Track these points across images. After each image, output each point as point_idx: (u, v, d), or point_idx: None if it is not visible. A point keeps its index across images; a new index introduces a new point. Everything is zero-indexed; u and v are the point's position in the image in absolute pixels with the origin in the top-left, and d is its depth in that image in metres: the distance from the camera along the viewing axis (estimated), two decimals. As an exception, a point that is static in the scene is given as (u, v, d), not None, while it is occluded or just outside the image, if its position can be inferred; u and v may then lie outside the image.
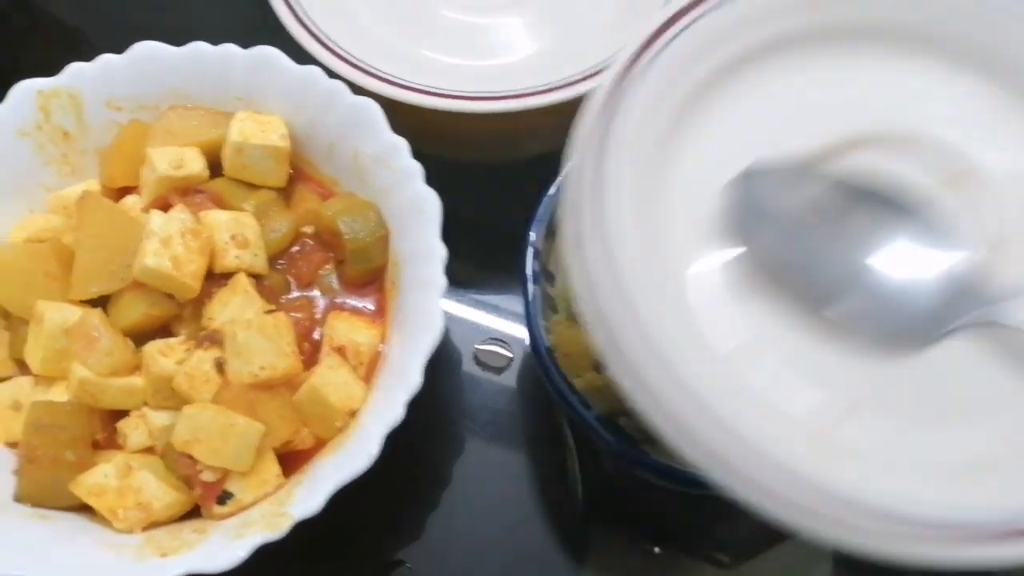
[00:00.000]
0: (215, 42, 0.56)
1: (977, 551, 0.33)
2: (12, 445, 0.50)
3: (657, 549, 0.56)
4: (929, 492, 0.34)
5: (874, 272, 0.38)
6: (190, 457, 0.46)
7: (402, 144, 0.53)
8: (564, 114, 0.42)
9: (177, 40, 0.56)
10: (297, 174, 0.58)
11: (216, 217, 0.52)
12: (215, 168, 0.56)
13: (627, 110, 0.39)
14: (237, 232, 0.52)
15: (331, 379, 0.49)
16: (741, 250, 0.40)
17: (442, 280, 0.49)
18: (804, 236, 0.39)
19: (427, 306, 0.49)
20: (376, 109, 0.54)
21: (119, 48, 0.55)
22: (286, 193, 0.58)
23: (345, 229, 0.53)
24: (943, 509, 0.33)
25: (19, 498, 0.47)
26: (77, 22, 0.77)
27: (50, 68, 0.55)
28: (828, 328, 0.38)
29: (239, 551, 0.43)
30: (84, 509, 0.49)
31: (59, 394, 0.50)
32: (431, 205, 0.51)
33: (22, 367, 0.53)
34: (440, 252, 0.50)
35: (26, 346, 0.51)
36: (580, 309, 0.36)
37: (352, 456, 0.45)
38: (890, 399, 0.37)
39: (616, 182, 0.38)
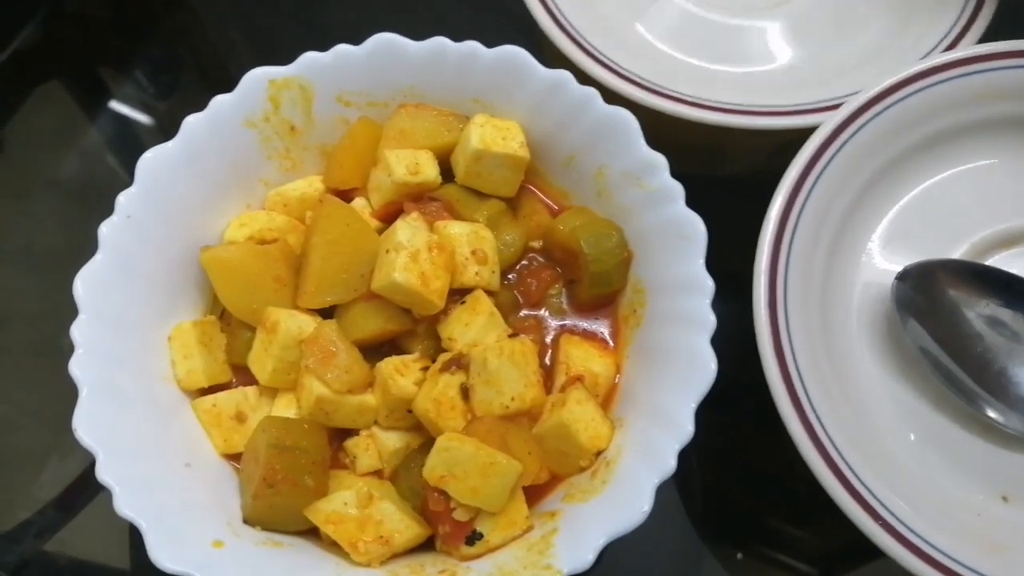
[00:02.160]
0: (457, 38, 0.52)
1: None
2: (232, 457, 0.48)
3: (740, 555, 0.54)
4: None
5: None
6: (442, 492, 0.43)
7: (660, 161, 0.49)
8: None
9: (417, 35, 0.52)
10: (525, 183, 0.54)
11: (456, 230, 0.49)
12: (445, 172, 0.52)
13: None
14: (477, 247, 0.49)
15: (580, 415, 0.45)
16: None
17: (711, 317, 0.45)
18: (975, 332, 0.44)
19: (694, 345, 0.45)
20: (632, 121, 0.49)
21: (357, 40, 0.52)
22: (514, 203, 0.54)
23: (588, 249, 0.49)
24: None
25: (248, 520, 0.44)
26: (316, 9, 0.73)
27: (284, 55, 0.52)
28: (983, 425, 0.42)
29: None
30: (310, 532, 0.45)
31: (285, 407, 0.47)
32: (695, 231, 0.47)
33: (239, 372, 0.50)
34: (708, 284, 0.46)
35: (252, 353, 0.48)
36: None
37: (620, 508, 0.42)
38: None
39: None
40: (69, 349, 0.44)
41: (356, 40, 0.52)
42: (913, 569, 0.38)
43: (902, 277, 0.45)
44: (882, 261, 0.46)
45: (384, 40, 0.52)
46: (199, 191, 0.51)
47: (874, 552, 0.40)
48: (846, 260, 0.46)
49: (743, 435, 0.53)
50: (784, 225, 0.43)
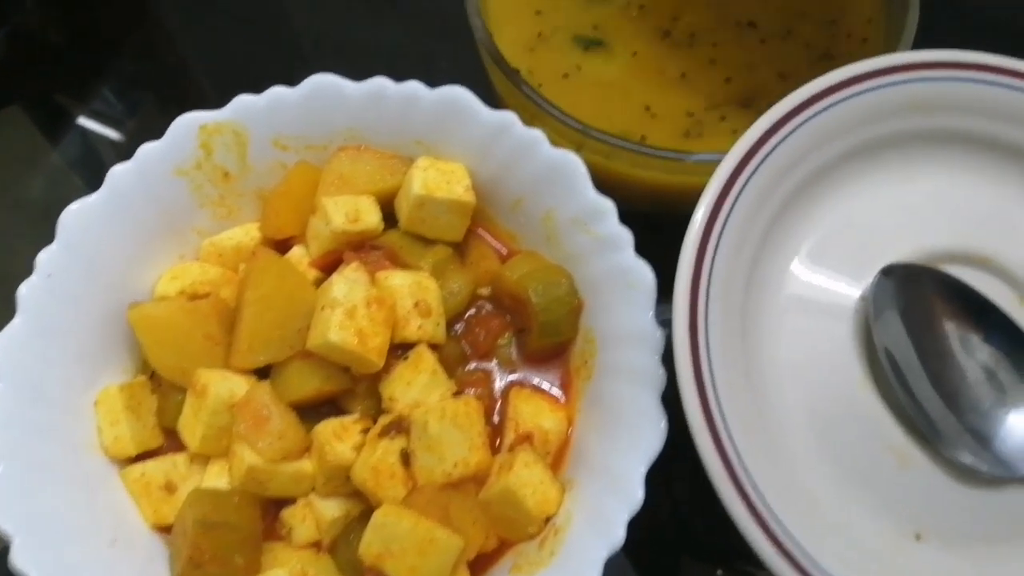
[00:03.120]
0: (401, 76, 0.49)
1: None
2: (163, 529, 0.45)
3: (720, 572, 0.53)
4: None
5: (975, 403, 0.41)
6: (378, 571, 0.40)
7: (608, 207, 0.47)
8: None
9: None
10: (472, 225, 0.52)
11: (397, 281, 0.46)
12: (388, 217, 0.50)
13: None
14: (420, 299, 0.46)
15: (527, 479, 0.43)
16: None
17: (661, 372, 0.43)
18: (947, 348, 0.42)
19: (644, 403, 0.43)
20: (578, 166, 0.47)
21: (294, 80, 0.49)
22: (461, 248, 0.51)
23: (535, 298, 0.47)
24: None
25: (177, 598, 0.42)
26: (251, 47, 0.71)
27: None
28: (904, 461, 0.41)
29: None
30: (245, 609, 0.43)
31: (217, 475, 0.45)
32: (643, 280, 0.45)
33: (171, 436, 0.47)
34: (657, 337, 0.44)
35: (182, 419, 0.46)
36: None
37: (566, 583, 0.39)
38: (955, 529, 0.40)
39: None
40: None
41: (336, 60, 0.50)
42: None
43: (887, 272, 0.43)
44: (804, 285, 0.44)
45: (320, 81, 0.49)
46: (127, 244, 0.48)
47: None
48: (768, 283, 0.44)
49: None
50: (702, 255, 0.41)
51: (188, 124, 0.49)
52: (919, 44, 0.51)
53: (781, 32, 0.55)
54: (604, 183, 0.50)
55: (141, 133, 0.62)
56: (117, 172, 0.47)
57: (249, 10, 0.73)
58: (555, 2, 0.56)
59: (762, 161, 0.43)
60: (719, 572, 0.53)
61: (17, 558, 0.39)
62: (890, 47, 0.52)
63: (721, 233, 0.42)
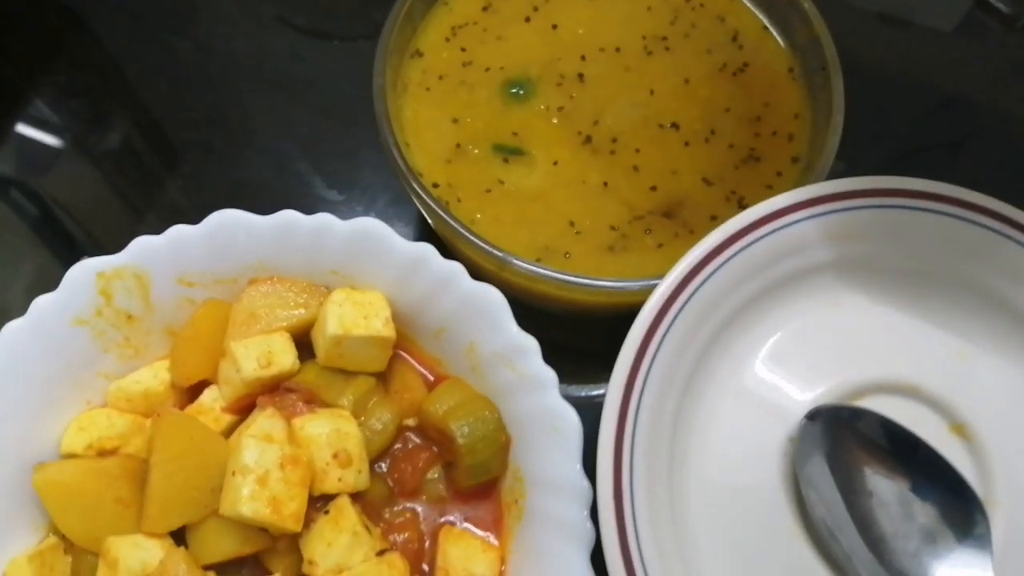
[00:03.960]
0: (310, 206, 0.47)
1: None
2: None
3: None
4: None
5: (904, 552, 0.40)
6: None
7: (531, 345, 0.45)
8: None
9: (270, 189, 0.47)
10: (396, 348, 0.50)
11: (314, 431, 0.45)
12: (304, 345, 0.48)
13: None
14: (339, 448, 0.45)
15: (457, 642, 0.42)
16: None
17: (589, 527, 0.42)
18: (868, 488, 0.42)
19: (572, 562, 0.42)
20: (499, 300, 0.46)
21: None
22: (385, 375, 0.50)
23: (462, 439, 0.46)
24: None
25: None
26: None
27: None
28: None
29: None
30: None
31: (135, 645, 0.43)
32: (569, 424, 0.44)
33: (87, 600, 0.45)
34: (584, 488, 0.42)
35: (94, 588, 0.43)
36: None
37: None
38: None
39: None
40: None
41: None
42: None
43: (812, 417, 0.43)
44: (728, 430, 0.43)
45: (225, 217, 0.47)
46: (29, 401, 0.46)
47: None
48: (693, 433, 0.43)
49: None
50: (623, 419, 0.40)
51: (84, 273, 0.46)
52: (846, 136, 0.50)
53: (704, 132, 0.53)
54: (529, 299, 0.49)
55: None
56: (11, 329, 0.45)
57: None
58: (473, 109, 0.54)
59: (683, 306, 0.42)
60: None
61: None
62: (816, 145, 0.52)
63: (647, 375, 0.41)
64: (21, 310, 0.45)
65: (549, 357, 0.46)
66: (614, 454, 0.39)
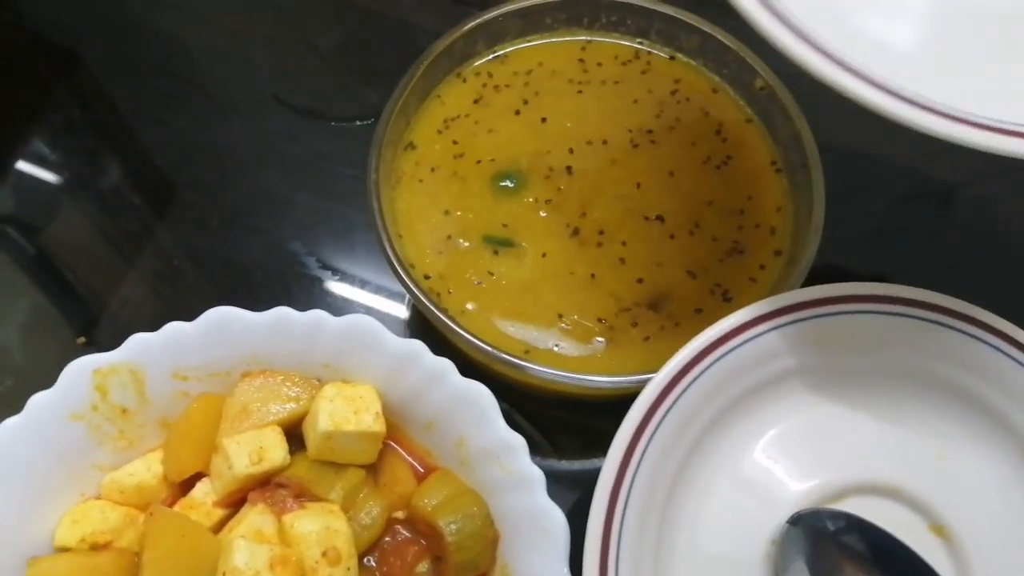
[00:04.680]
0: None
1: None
2: None
3: None
4: None
5: None
6: None
7: (519, 444, 0.46)
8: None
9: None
10: (387, 439, 0.51)
11: (304, 528, 0.45)
12: (295, 436, 0.49)
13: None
14: (328, 546, 0.45)
15: None
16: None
17: (577, 632, 0.42)
18: None
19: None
20: (487, 397, 0.47)
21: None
22: (375, 467, 0.51)
23: (450, 536, 0.46)
24: None
25: None
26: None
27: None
28: None
29: None
30: None
31: None
32: (555, 525, 0.44)
33: None
34: (573, 594, 0.43)
35: None
36: None
37: None
38: None
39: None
40: None
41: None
42: None
43: (794, 522, 0.44)
44: (708, 539, 0.44)
45: (219, 315, 0.48)
46: (24, 495, 0.46)
47: None
48: (678, 534, 0.44)
49: None
50: (609, 529, 0.41)
51: (80, 370, 0.47)
52: (829, 226, 0.52)
53: (689, 225, 0.54)
54: (519, 386, 0.50)
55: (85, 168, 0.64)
56: (7, 427, 0.46)
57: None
58: (464, 200, 0.55)
59: (665, 413, 0.43)
60: None
61: None
62: (799, 240, 0.53)
63: (629, 494, 0.42)
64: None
65: (544, 431, 0.46)
66: (600, 556, 0.40)
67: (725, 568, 0.44)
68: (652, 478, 0.43)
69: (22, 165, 0.69)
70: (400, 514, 0.50)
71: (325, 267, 0.64)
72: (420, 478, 0.51)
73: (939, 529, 0.44)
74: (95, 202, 0.67)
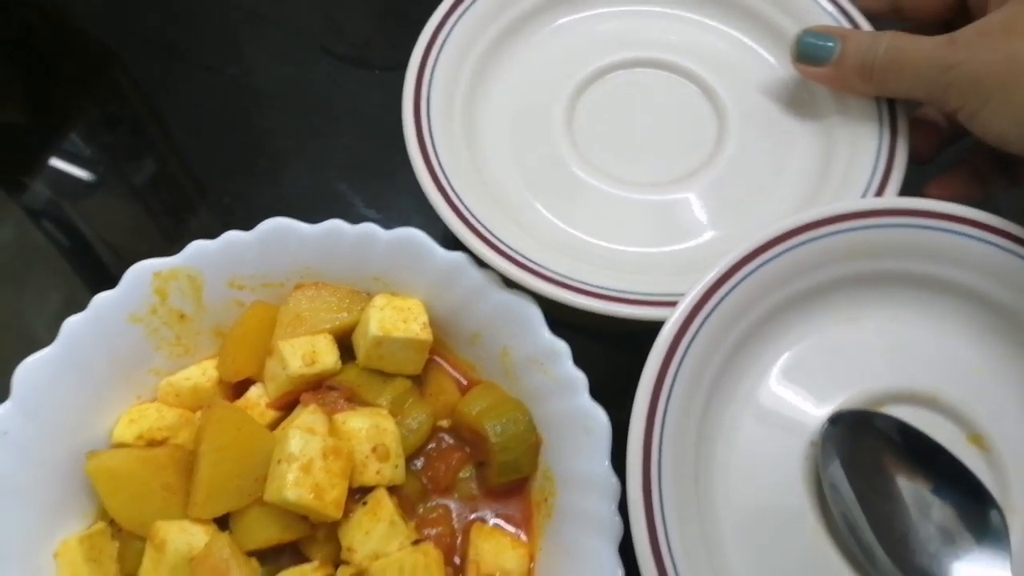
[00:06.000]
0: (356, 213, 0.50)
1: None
2: None
3: None
4: None
5: (923, 551, 0.42)
6: None
7: (562, 348, 0.47)
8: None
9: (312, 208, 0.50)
10: (432, 353, 0.52)
11: (355, 425, 0.47)
12: (347, 349, 0.51)
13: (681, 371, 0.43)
14: (378, 443, 0.47)
15: (488, 629, 0.43)
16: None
17: (617, 520, 0.43)
18: (888, 490, 0.43)
19: (601, 553, 0.43)
20: (532, 308, 0.48)
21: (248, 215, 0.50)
22: (420, 379, 0.52)
23: (494, 437, 0.48)
24: None
25: None
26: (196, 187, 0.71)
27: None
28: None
29: None
30: None
31: (179, 627, 0.45)
32: (598, 425, 0.46)
33: (131, 582, 0.47)
34: (613, 485, 0.44)
35: (141, 571, 0.45)
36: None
37: None
38: None
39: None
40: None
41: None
42: None
43: (834, 421, 0.44)
44: (750, 433, 0.46)
45: (275, 225, 0.50)
46: (83, 394, 0.48)
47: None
48: (718, 432, 0.45)
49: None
50: (654, 409, 0.42)
51: (142, 272, 0.49)
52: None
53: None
54: (557, 311, 0.51)
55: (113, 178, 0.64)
56: (71, 324, 0.48)
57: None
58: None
59: (712, 310, 0.44)
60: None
61: None
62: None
63: (673, 383, 0.43)
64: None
65: (580, 363, 0.48)
66: (643, 446, 0.41)
67: (765, 464, 0.45)
68: (692, 377, 0.43)
69: (56, 161, 0.70)
70: (445, 423, 0.51)
71: (370, 206, 0.66)
72: (463, 391, 0.52)
73: (977, 439, 0.45)
74: (133, 174, 0.69)
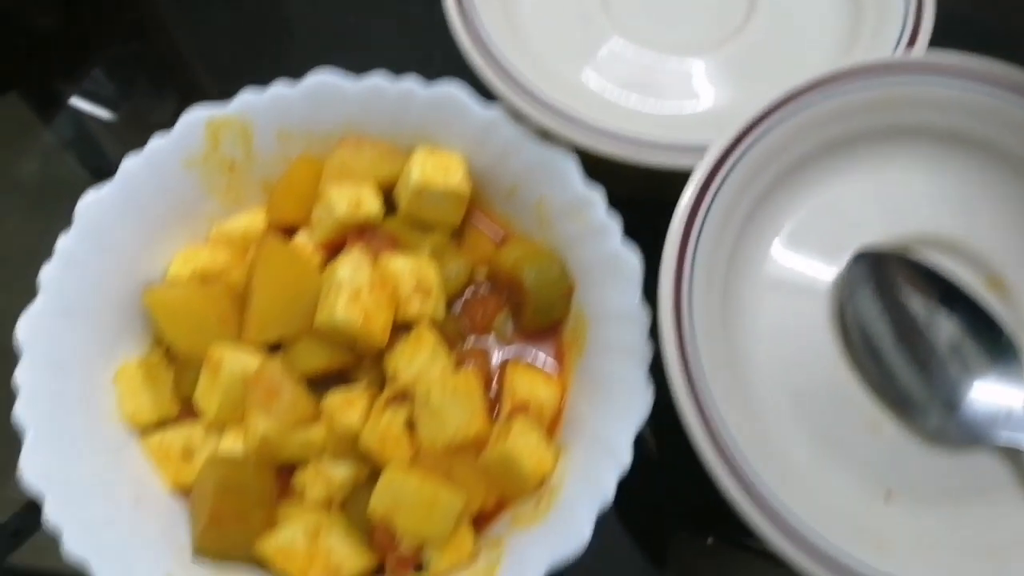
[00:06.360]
0: (397, 70, 0.52)
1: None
2: (182, 491, 0.48)
3: (710, 540, 0.54)
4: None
5: (943, 373, 0.45)
6: (387, 527, 0.43)
7: (596, 197, 0.50)
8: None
9: (356, 65, 0.52)
10: (469, 209, 0.55)
11: (399, 264, 0.49)
12: (388, 204, 0.53)
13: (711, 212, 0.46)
14: (421, 279, 0.49)
15: (523, 444, 0.46)
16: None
17: (647, 348, 0.46)
18: (914, 326, 0.46)
19: (632, 376, 0.46)
20: (566, 159, 0.51)
21: (294, 72, 0.52)
22: (458, 232, 0.55)
23: (529, 282, 0.51)
24: None
25: (198, 552, 0.45)
26: (248, 42, 0.73)
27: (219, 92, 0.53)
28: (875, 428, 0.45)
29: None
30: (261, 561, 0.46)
31: (232, 441, 0.48)
32: (631, 265, 0.48)
33: (186, 405, 0.50)
34: (643, 317, 0.47)
35: (198, 391, 0.48)
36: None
37: (559, 536, 0.43)
38: (922, 489, 0.44)
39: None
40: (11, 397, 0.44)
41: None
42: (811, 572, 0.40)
43: (859, 257, 0.47)
44: (781, 267, 0.48)
45: (320, 80, 0.53)
46: (140, 231, 0.51)
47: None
48: (748, 265, 0.48)
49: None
50: (687, 239, 0.44)
51: (196, 119, 0.51)
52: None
53: None
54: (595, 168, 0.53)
55: (133, 116, 0.67)
56: (129, 165, 0.50)
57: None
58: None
59: (744, 152, 0.46)
60: (709, 540, 0.54)
61: (50, 514, 0.42)
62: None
63: (704, 219, 0.45)
64: None
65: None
66: (676, 264, 0.43)
67: (790, 298, 0.47)
68: (724, 212, 0.45)
69: (76, 101, 0.72)
70: (481, 273, 0.54)
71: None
72: (499, 244, 0.55)
73: (996, 283, 0.47)
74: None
